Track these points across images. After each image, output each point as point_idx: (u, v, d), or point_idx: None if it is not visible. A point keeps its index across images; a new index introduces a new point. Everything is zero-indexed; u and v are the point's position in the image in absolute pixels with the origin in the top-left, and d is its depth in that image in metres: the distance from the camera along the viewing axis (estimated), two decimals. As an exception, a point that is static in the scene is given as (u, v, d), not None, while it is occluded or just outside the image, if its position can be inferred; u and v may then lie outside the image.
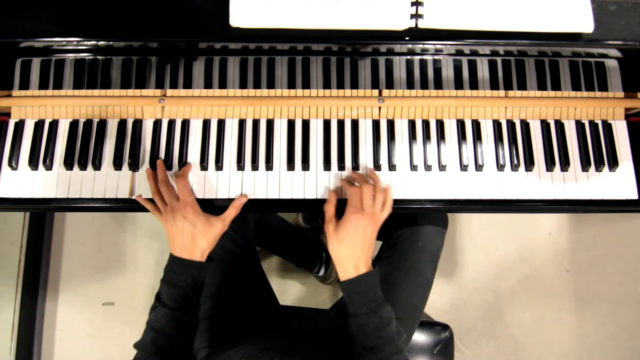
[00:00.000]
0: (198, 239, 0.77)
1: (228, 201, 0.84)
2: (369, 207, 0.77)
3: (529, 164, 0.85)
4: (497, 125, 0.88)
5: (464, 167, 0.86)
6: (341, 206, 0.80)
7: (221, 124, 0.88)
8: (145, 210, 0.83)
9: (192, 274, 0.76)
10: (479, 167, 0.85)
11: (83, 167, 0.86)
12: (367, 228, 0.76)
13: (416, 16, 0.74)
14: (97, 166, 0.85)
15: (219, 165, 0.85)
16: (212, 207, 0.84)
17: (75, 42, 0.79)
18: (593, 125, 0.88)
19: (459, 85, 0.87)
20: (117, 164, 0.85)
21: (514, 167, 0.86)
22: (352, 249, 0.75)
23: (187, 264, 0.76)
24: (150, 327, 0.73)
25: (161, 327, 0.72)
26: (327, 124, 0.88)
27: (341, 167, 0.85)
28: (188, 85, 0.87)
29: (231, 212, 0.81)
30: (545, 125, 0.88)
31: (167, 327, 0.72)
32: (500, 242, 1.70)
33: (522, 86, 0.87)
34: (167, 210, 0.78)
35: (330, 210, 0.79)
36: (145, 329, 0.74)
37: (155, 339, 0.71)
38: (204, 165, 0.85)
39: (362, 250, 0.75)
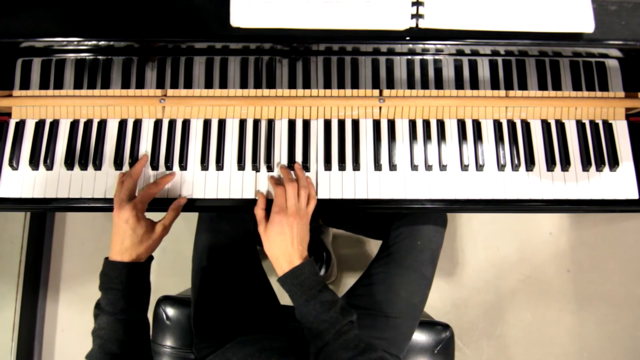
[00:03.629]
0: (136, 245, 0.77)
1: (229, 201, 0.84)
2: (292, 205, 0.78)
3: (530, 163, 0.85)
4: (497, 125, 0.88)
5: (464, 167, 0.86)
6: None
7: (222, 124, 0.88)
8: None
9: (127, 275, 0.75)
10: (479, 167, 0.85)
11: (84, 167, 0.86)
12: (294, 225, 0.76)
13: (417, 16, 0.74)
14: (97, 166, 0.85)
15: (219, 165, 0.85)
16: (213, 207, 0.84)
17: (75, 42, 0.79)
18: (594, 125, 0.88)
19: (459, 85, 0.87)
20: (118, 164, 0.85)
21: (515, 167, 0.86)
22: (282, 247, 0.76)
23: (122, 267, 0.75)
24: (96, 336, 0.73)
25: (106, 333, 0.72)
26: (327, 124, 0.88)
27: (342, 167, 0.85)
28: (189, 85, 0.87)
29: (170, 215, 0.82)
30: (546, 125, 0.88)
31: (113, 332, 0.72)
32: (500, 242, 1.70)
33: (523, 86, 0.87)
34: (116, 206, 0.79)
35: (259, 213, 0.80)
36: (92, 339, 0.73)
37: (102, 347, 0.71)
38: (204, 165, 0.85)
39: (293, 245, 0.76)
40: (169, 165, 0.85)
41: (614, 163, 0.86)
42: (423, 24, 0.74)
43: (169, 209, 0.82)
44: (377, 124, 0.87)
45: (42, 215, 1.64)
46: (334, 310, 0.72)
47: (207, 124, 0.87)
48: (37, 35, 0.76)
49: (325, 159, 0.86)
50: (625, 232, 1.71)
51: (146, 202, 0.81)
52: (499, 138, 0.87)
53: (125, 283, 0.75)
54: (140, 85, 0.86)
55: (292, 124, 0.87)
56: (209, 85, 0.86)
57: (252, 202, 0.84)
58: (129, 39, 0.77)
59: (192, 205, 0.85)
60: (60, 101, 0.87)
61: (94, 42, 0.79)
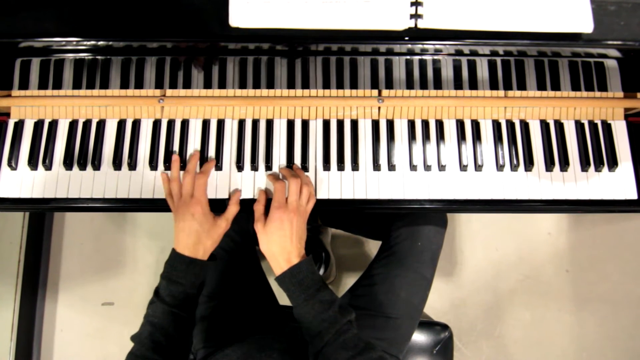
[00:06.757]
0: (203, 238, 0.77)
1: (228, 201, 0.84)
2: (294, 201, 0.78)
3: (529, 164, 0.85)
4: (496, 125, 0.88)
5: (463, 167, 0.86)
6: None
7: (221, 124, 0.88)
8: (144, 210, 0.83)
9: (194, 272, 0.76)
10: (478, 167, 0.86)
11: (82, 167, 0.86)
12: (293, 221, 0.76)
13: (416, 16, 0.74)
14: (96, 166, 0.85)
15: (218, 166, 0.85)
16: (212, 207, 0.84)
17: (74, 42, 0.79)
18: (592, 125, 0.88)
19: (458, 85, 0.87)
20: (117, 164, 0.85)
21: (514, 167, 0.86)
22: (281, 244, 0.76)
23: (190, 262, 0.76)
24: (147, 322, 0.73)
25: (158, 322, 0.72)
26: (326, 124, 0.88)
27: (341, 167, 0.85)
28: (187, 85, 0.87)
29: (232, 209, 0.82)
30: (544, 125, 0.88)
31: (164, 323, 0.72)
32: (499, 242, 1.70)
33: (522, 86, 0.87)
34: (178, 204, 0.79)
35: (259, 209, 0.80)
36: (142, 323, 0.74)
37: (152, 334, 0.72)
38: (203, 165, 0.85)
39: (292, 242, 0.76)
40: (167, 165, 0.85)
41: (613, 163, 0.86)
42: (422, 24, 0.74)
43: (231, 204, 0.82)
44: (376, 124, 0.87)
45: (41, 215, 1.64)
46: (333, 309, 0.72)
47: (205, 124, 0.87)
48: (36, 35, 0.76)
49: (324, 159, 0.86)
50: (624, 232, 1.71)
51: (206, 194, 0.81)
52: (497, 138, 0.87)
53: (189, 279, 0.75)
54: (139, 85, 0.86)
55: (290, 124, 0.87)
56: (207, 85, 0.86)
57: (250, 203, 0.84)
58: (127, 39, 0.77)
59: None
60: (59, 101, 0.87)
61: (92, 42, 0.79)
